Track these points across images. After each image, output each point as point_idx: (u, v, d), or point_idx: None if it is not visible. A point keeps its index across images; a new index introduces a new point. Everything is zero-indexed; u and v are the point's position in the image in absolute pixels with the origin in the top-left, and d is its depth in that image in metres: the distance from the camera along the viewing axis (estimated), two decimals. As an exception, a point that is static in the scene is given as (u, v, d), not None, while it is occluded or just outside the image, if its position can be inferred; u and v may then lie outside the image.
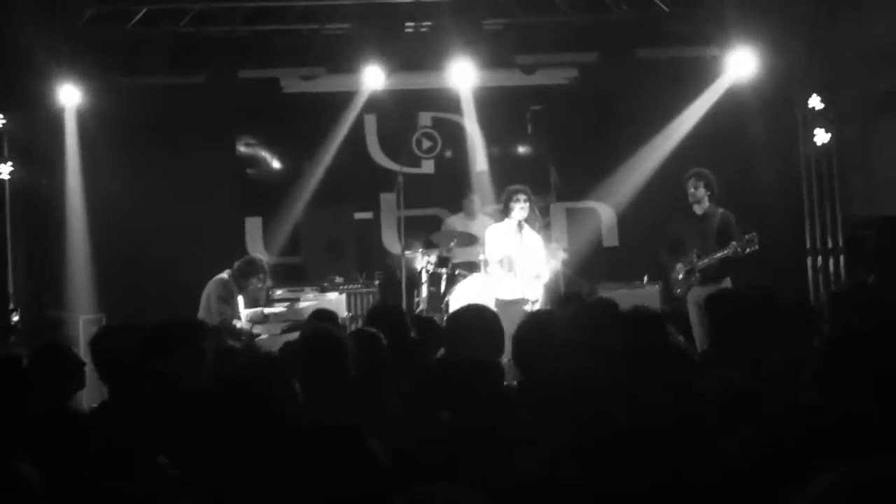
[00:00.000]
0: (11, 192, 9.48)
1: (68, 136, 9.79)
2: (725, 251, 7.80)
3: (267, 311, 8.99)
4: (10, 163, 9.44)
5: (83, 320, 9.04)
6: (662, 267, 8.40)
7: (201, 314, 8.77)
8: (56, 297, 9.49)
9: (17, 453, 2.68)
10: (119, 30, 9.71)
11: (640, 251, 9.98)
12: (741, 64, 9.81)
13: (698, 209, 8.13)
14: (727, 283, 7.85)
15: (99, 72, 9.77)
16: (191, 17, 9.85)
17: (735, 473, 2.20)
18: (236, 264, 8.80)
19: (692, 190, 8.12)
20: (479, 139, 10.83)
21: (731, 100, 10.01)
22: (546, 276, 8.45)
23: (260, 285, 9.02)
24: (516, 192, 8.30)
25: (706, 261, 7.93)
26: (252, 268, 8.82)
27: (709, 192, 8.09)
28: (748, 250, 7.75)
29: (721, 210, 8.10)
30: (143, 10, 9.66)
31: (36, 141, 9.68)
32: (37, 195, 9.71)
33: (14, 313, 8.30)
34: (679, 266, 8.12)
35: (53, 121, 9.75)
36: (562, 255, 8.92)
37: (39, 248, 9.68)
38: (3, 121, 9.34)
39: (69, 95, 9.63)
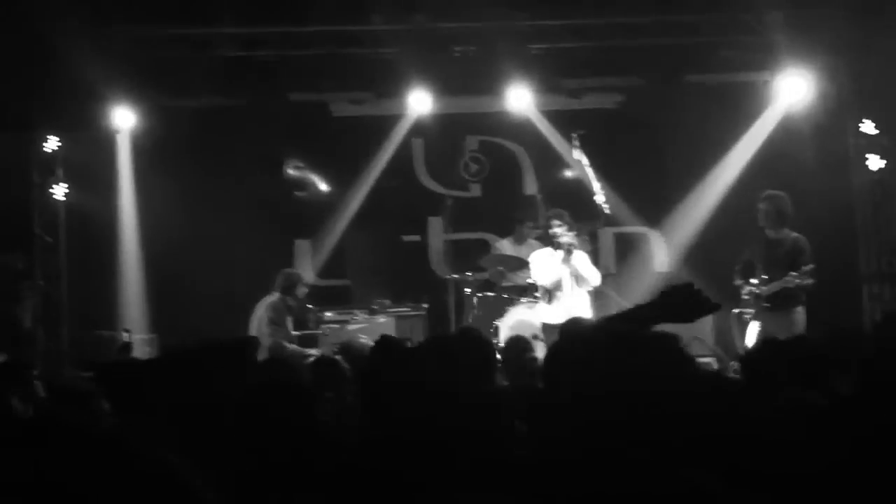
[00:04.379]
0: (66, 214, 9.60)
1: (121, 157, 9.92)
2: (784, 280, 7.70)
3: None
4: (64, 184, 9.57)
5: (135, 340, 9.12)
6: (736, 289, 8.25)
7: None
8: (108, 317, 9.58)
9: None
10: (172, 53, 9.84)
11: (691, 276, 9.91)
12: (793, 89, 9.77)
13: (770, 233, 7.97)
14: (799, 312, 7.72)
15: (151, 95, 9.90)
16: (242, 41, 9.98)
17: None
18: (278, 283, 8.91)
19: (762, 213, 7.98)
20: (527, 163, 10.86)
21: (783, 124, 9.97)
22: (598, 281, 8.46)
23: (301, 297, 9.10)
24: (551, 216, 8.41)
25: (767, 289, 7.82)
26: (291, 278, 8.96)
27: (780, 216, 7.92)
28: (804, 283, 7.65)
29: (795, 235, 7.92)
30: (196, 35, 9.79)
31: (90, 163, 9.81)
32: (90, 216, 9.82)
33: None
34: (746, 290, 8.00)
35: (107, 143, 9.89)
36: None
37: (92, 269, 9.79)
38: (59, 144, 9.46)
39: (123, 118, 9.76)
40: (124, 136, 9.91)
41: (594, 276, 8.52)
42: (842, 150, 10.11)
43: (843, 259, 9.92)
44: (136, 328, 9.24)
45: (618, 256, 10.61)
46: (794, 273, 7.62)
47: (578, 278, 8.40)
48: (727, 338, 8.88)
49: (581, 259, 8.43)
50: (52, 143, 9.53)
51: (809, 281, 7.62)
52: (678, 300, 2.71)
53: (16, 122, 9.20)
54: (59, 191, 9.57)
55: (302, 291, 9.16)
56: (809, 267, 7.61)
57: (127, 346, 8.37)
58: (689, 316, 2.70)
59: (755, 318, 7.83)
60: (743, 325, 7.87)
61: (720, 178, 10.16)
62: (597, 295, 8.76)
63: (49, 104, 9.26)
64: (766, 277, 7.83)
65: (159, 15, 9.48)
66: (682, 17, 9.95)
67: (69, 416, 3.57)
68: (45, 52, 8.88)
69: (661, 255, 10.78)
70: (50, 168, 9.66)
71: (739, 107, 10.21)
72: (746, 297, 7.95)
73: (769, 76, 10.01)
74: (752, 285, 7.92)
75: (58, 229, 9.58)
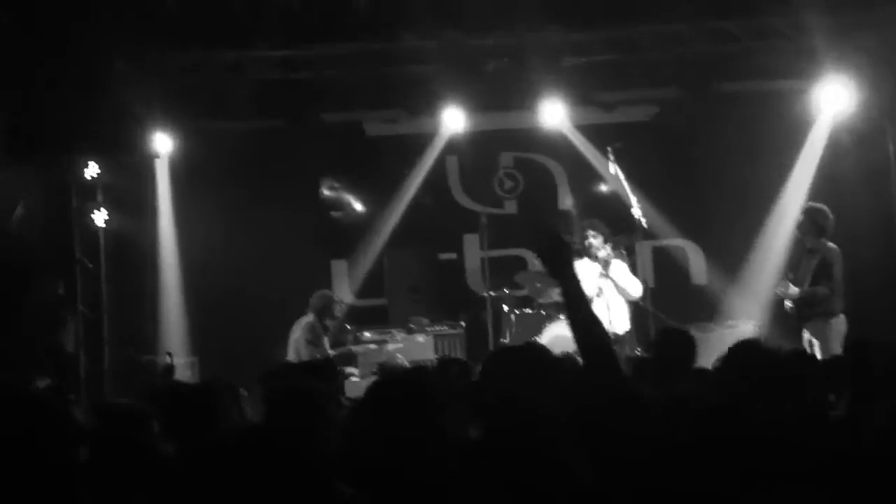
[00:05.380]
0: (106, 239, 9.69)
1: (160, 182, 10.03)
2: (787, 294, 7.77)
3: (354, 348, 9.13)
4: (104, 210, 9.66)
5: (176, 364, 9.17)
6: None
7: (290, 357, 8.87)
8: (149, 342, 9.65)
9: None
10: (206, 77, 9.93)
11: (730, 288, 9.82)
12: (832, 97, 9.64)
13: (806, 243, 8.01)
14: (835, 322, 7.67)
15: (187, 118, 10.01)
16: (275, 63, 10.05)
17: None
18: (313, 304, 8.90)
19: (798, 224, 8.04)
20: (562, 177, 10.82)
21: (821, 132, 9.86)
22: (639, 292, 8.43)
23: (339, 315, 9.12)
24: (586, 227, 8.45)
25: (792, 298, 7.84)
26: (327, 300, 8.97)
27: (816, 228, 7.92)
28: (799, 295, 7.70)
29: (829, 247, 7.91)
30: (230, 58, 9.88)
31: (128, 188, 9.92)
32: (130, 241, 9.92)
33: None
34: (776, 291, 8.08)
35: (145, 168, 10.00)
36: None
37: (133, 293, 9.88)
38: (98, 170, 9.57)
39: (161, 142, 9.86)
40: (162, 160, 10.01)
41: (635, 287, 8.47)
42: (883, 158, 9.94)
43: (885, 269, 9.75)
44: (176, 352, 9.30)
45: (656, 270, 10.50)
46: (797, 290, 7.71)
47: (619, 289, 8.35)
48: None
49: (620, 269, 8.38)
50: (91, 169, 9.61)
51: (811, 295, 7.64)
52: (548, 256, 2.78)
53: (56, 148, 9.32)
54: (99, 216, 9.65)
55: (338, 309, 9.17)
56: (809, 290, 7.67)
57: (170, 370, 8.41)
58: (562, 250, 2.79)
59: (800, 327, 7.84)
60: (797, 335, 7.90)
61: (783, 196, 10.04)
62: (635, 308, 8.70)
63: (88, 130, 9.36)
64: (787, 282, 7.90)
65: (193, 39, 9.57)
66: (715, 24, 9.85)
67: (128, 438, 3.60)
68: (83, 79, 9.00)
69: (700, 267, 10.67)
70: (90, 194, 9.74)
71: (776, 115, 10.09)
72: (788, 307, 7.96)
73: (805, 84, 9.89)
74: (778, 289, 8.00)
75: (98, 255, 9.67)
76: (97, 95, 9.13)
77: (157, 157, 9.94)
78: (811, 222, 7.95)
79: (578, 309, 2.73)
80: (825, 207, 8.02)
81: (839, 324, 7.75)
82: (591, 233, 8.35)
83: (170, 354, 8.66)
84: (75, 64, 8.95)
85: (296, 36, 9.78)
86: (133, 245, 9.95)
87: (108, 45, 9.03)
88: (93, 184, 9.66)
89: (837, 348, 7.19)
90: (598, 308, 8.07)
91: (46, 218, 9.42)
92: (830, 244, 7.93)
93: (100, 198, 9.71)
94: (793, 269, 8.04)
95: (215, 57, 9.85)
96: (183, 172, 10.10)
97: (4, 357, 8.11)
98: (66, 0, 8.79)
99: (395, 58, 10.10)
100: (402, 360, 8.26)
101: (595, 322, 2.73)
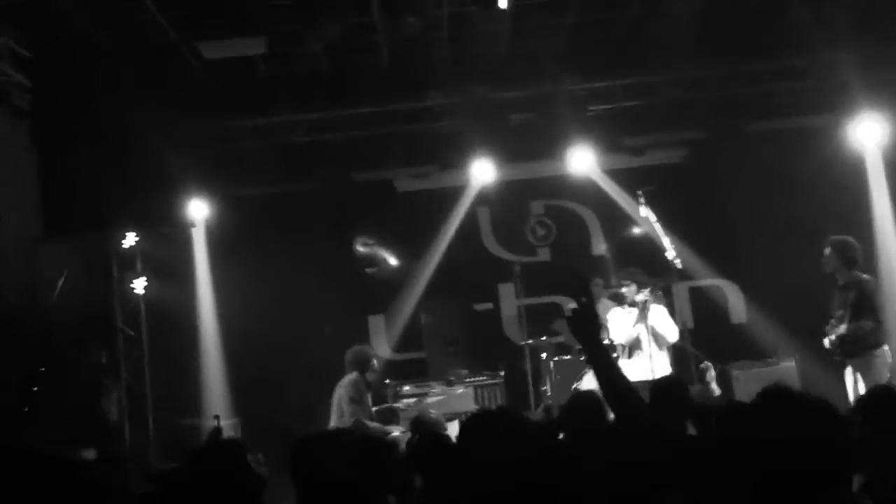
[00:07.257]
0: (146, 307, 9.83)
1: (197, 249, 10.19)
2: (840, 331, 7.56)
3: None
4: (143, 278, 9.81)
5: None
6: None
7: (333, 417, 8.85)
8: (192, 406, 9.73)
9: None
10: (237, 143, 10.13)
11: (770, 326, 9.72)
12: (865, 130, 9.61)
13: (839, 278, 7.82)
14: (879, 354, 7.51)
15: (221, 186, 10.19)
16: (305, 126, 10.24)
17: None
18: (352, 361, 8.88)
19: (824, 259, 7.84)
20: (594, 223, 10.84)
21: (856, 167, 9.80)
22: (675, 337, 8.37)
23: (377, 368, 9.11)
24: (621, 277, 8.45)
25: (836, 335, 7.66)
26: (364, 354, 8.91)
27: (844, 261, 7.76)
28: (855, 333, 7.49)
29: (861, 279, 7.75)
30: (259, 124, 10.08)
31: (167, 256, 10.07)
32: (170, 308, 10.04)
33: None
34: (825, 338, 7.85)
35: (182, 235, 10.16)
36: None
37: (174, 359, 9.98)
38: (137, 240, 9.74)
39: (197, 210, 10.03)
40: (199, 227, 10.18)
41: (671, 333, 8.40)
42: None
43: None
44: (219, 413, 9.36)
45: (694, 310, 10.44)
46: (844, 326, 7.50)
47: (656, 336, 8.29)
48: (814, 386, 8.69)
49: (659, 314, 8.32)
50: (130, 239, 9.78)
51: (857, 330, 7.46)
52: (579, 322, 2.88)
53: (95, 221, 9.49)
54: (139, 285, 9.80)
55: (375, 364, 9.16)
56: (862, 323, 7.46)
57: (217, 432, 8.45)
58: (591, 322, 2.90)
59: (844, 363, 7.66)
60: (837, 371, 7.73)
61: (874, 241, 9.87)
62: (676, 350, 8.63)
63: (125, 201, 9.54)
64: (837, 325, 7.68)
65: (222, 107, 9.79)
66: (738, 67, 9.90)
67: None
68: (117, 151, 9.20)
69: (739, 305, 10.59)
70: (129, 263, 9.90)
71: (807, 150, 10.06)
72: (827, 345, 7.80)
73: (836, 118, 9.87)
74: (829, 333, 7.78)
75: (139, 322, 9.80)
76: (132, 167, 9.33)
77: (194, 225, 10.11)
78: (840, 256, 7.77)
79: (606, 371, 2.86)
80: (850, 238, 7.90)
81: (884, 355, 7.59)
82: (625, 282, 8.35)
83: (217, 417, 8.70)
84: (108, 136, 9.16)
85: (323, 98, 9.98)
86: (173, 311, 10.07)
87: (139, 117, 9.23)
88: (132, 253, 9.81)
89: (883, 381, 7.06)
90: (640, 361, 8.06)
91: (88, 288, 9.57)
92: (864, 275, 7.80)
93: (139, 267, 9.85)
94: (833, 308, 7.85)
95: (245, 124, 10.07)
96: (219, 238, 10.26)
97: (51, 428, 8.19)
98: (96, 74, 9.02)
99: (422, 115, 10.25)
100: (436, 413, 8.24)
101: (620, 378, 2.85)
